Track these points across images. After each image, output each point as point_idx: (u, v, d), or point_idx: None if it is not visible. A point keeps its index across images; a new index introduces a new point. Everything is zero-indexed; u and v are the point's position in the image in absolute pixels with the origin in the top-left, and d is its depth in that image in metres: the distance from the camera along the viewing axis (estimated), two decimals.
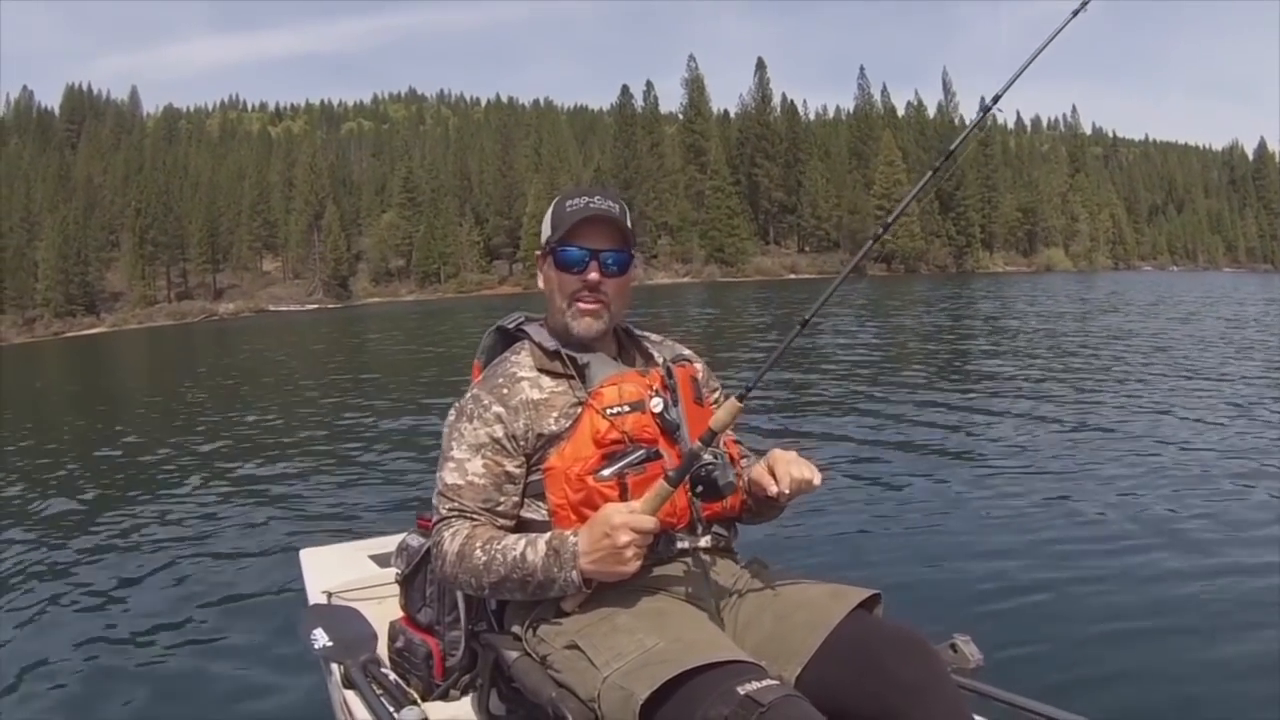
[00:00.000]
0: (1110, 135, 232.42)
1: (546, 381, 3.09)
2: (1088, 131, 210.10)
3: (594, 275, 3.11)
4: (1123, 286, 76.06)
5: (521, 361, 3.16)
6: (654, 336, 3.47)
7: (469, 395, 3.15)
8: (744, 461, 3.26)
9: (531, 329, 3.28)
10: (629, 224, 3.19)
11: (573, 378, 3.09)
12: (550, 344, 3.17)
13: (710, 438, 2.72)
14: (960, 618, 6.41)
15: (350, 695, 3.59)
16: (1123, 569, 7.93)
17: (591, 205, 3.13)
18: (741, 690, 2.32)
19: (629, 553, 2.69)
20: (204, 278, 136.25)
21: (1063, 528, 9.28)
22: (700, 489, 2.85)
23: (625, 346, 3.35)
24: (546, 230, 3.21)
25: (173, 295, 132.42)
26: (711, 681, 2.39)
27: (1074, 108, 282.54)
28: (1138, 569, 7.92)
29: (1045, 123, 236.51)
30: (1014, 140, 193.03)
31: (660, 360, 3.27)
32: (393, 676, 3.61)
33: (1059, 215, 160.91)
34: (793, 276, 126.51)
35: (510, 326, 3.35)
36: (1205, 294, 60.47)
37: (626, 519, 2.68)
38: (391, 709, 3.33)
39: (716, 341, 32.74)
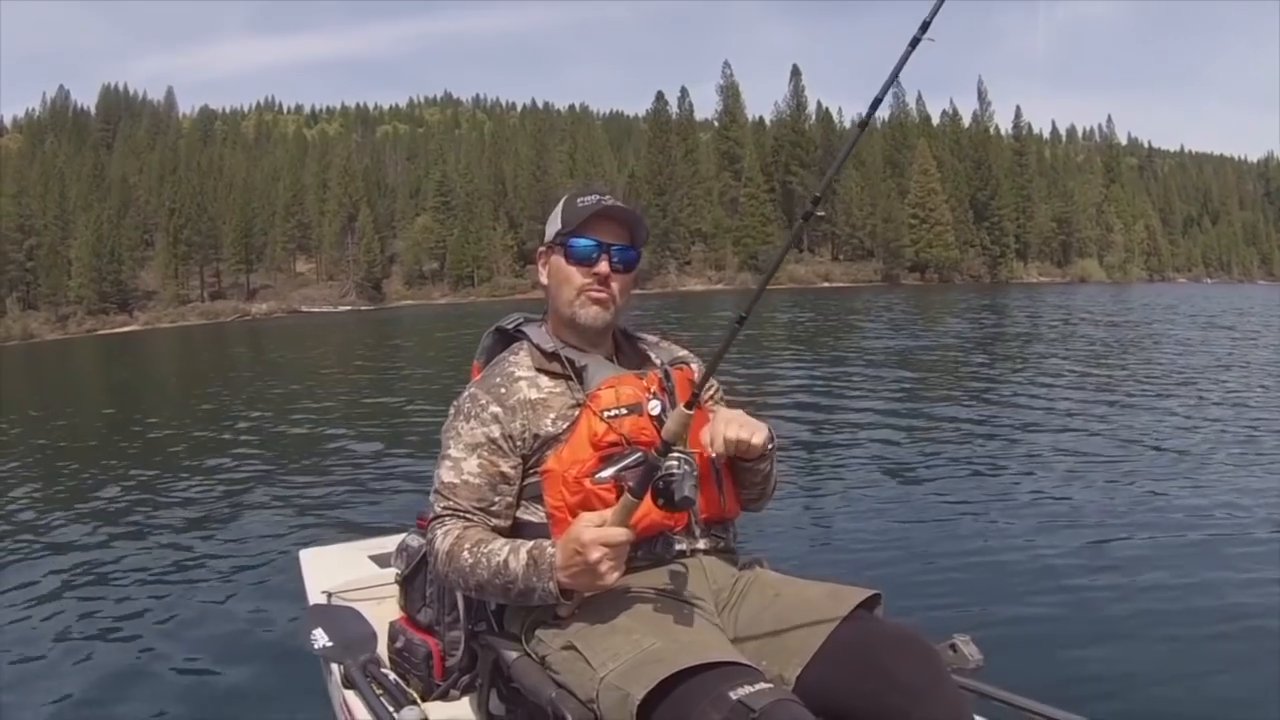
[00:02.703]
0: (1146, 146, 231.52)
1: (545, 381, 3.09)
2: (1123, 142, 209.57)
3: (604, 267, 3.10)
4: (1157, 299, 75.70)
5: (520, 361, 3.15)
6: (651, 338, 3.44)
7: (466, 394, 3.14)
8: None
9: (530, 330, 3.27)
10: (641, 223, 3.20)
11: (570, 379, 3.08)
12: (549, 345, 3.16)
13: (665, 449, 2.67)
14: (960, 618, 6.56)
15: (350, 695, 3.58)
16: (1124, 571, 7.98)
17: (604, 201, 3.14)
18: (734, 695, 2.30)
19: (603, 567, 2.67)
20: (237, 278, 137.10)
21: (1065, 530, 9.33)
22: (661, 501, 2.79)
23: (623, 349, 3.33)
24: (555, 225, 3.19)
25: (206, 295, 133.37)
26: (705, 685, 2.37)
27: (1109, 118, 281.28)
28: (1139, 571, 7.96)
29: (1081, 133, 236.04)
30: (1049, 150, 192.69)
31: (658, 363, 3.25)
32: (392, 676, 3.60)
33: (1094, 226, 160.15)
34: (826, 285, 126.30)
35: (509, 327, 3.34)
36: (1240, 306, 59.93)
37: (596, 535, 2.66)
38: (391, 709, 3.33)
39: (748, 349, 32.72)
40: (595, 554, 2.65)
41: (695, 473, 2.75)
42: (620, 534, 2.67)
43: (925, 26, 2.64)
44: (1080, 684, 5.71)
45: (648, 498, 2.71)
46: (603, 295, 3.12)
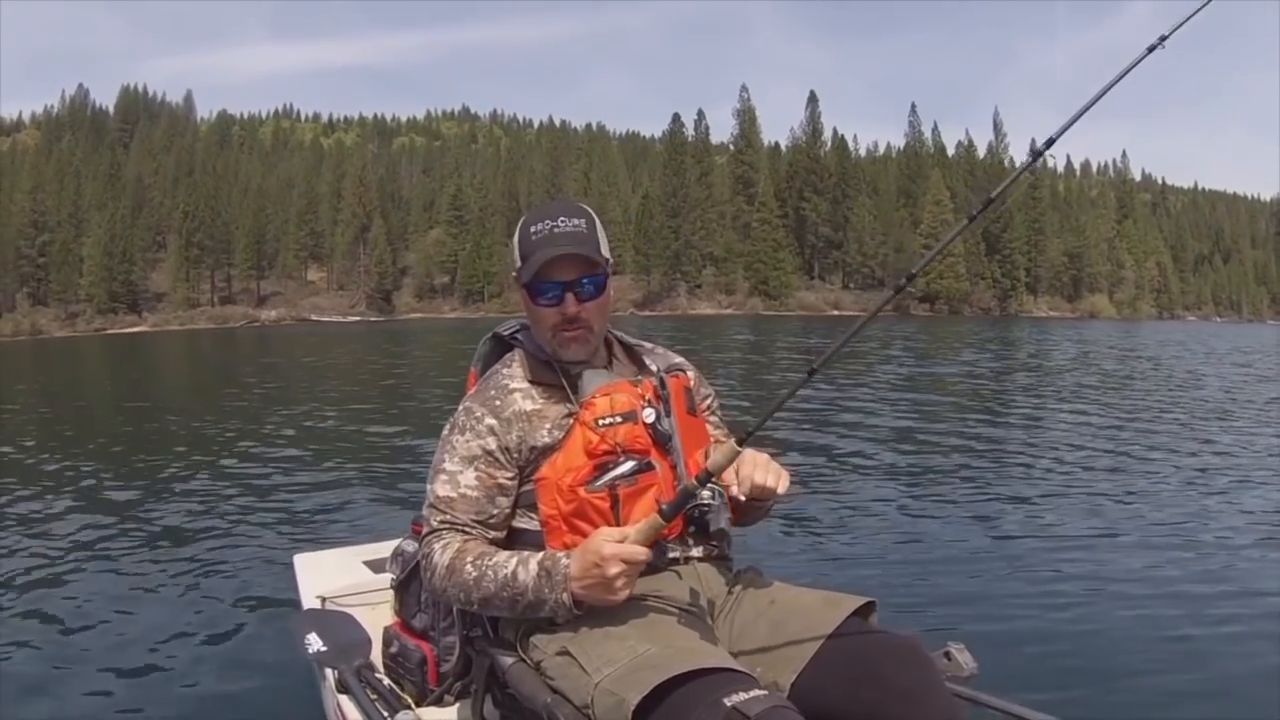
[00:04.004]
0: (1159, 182, 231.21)
1: (539, 393, 3.06)
2: (1137, 178, 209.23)
3: (572, 309, 3.04)
4: (1167, 335, 75.64)
5: (514, 373, 3.13)
6: (647, 345, 3.41)
7: (461, 408, 3.12)
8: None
9: (526, 337, 3.25)
10: (599, 239, 3.11)
11: (565, 389, 3.06)
12: (543, 355, 3.14)
13: (706, 478, 2.67)
14: (955, 626, 6.55)
15: (344, 700, 3.58)
16: (1120, 582, 8.01)
17: (557, 231, 3.04)
18: (729, 701, 2.30)
19: (619, 583, 2.67)
20: (248, 284, 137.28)
21: (1060, 541, 9.41)
22: (693, 529, 2.87)
23: (618, 356, 3.30)
24: (515, 256, 3.12)
25: (216, 299, 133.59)
26: (701, 691, 2.37)
27: (1124, 153, 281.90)
28: (1134, 581, 8.03)
29: (1095, 167, 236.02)
30: (1063, 184, 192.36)
31: (654, 370, 3.23)
32: (387, 682, 3.61)
33: (1105, 261, 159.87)
34: (836, 313, 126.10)
35: (505, 334, 3.33)
36: (1251, 345, 59.61)
37: (617, 550, 2.66)
38: (385, 714, 3.34)
39: (760, 369, 32.75)
40: (614, 569, 2.64)
41: (727, 504, 2.84)
42: (641, 552, 2.67)
43: (1051, 142, 2.74)
44: (1075, 693, 5.73)
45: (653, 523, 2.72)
46: (577, 333, 3.08)
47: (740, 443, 2.67)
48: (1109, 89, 2.78)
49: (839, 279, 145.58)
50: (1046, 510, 10.68)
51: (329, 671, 3.79)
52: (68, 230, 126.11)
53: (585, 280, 3.05)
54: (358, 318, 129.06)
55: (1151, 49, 2.76)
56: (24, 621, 7.59)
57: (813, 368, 2.73)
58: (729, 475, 2.87)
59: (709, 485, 2.73)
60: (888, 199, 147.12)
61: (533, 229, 3.07)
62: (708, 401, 3.36)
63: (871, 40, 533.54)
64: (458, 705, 3.44)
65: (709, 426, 3.27)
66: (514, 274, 3.15)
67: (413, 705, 3.44)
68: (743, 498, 2.87)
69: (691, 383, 3.26)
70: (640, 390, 3.06)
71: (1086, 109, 2.76)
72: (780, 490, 2.90)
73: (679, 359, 3.39)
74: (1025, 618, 7.10)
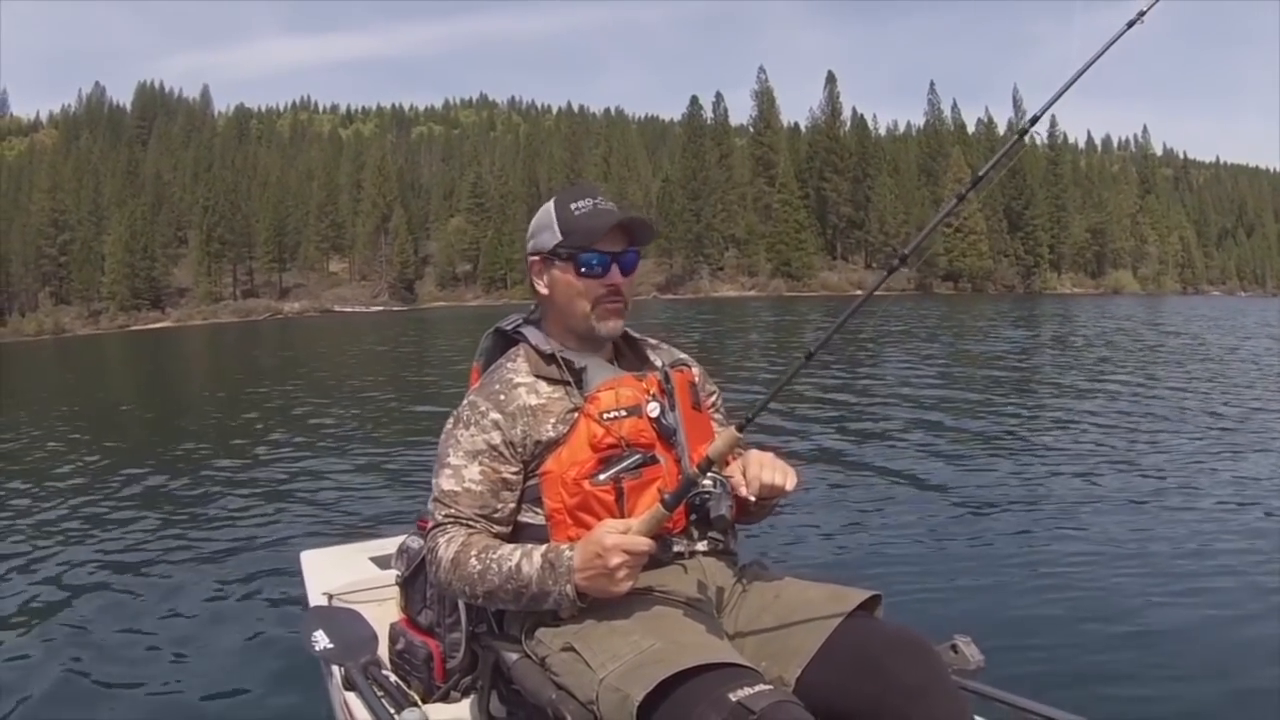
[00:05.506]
0: (1181, 156, 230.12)
1: (543, 387, 3.05)
2: (1158, 152, 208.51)
3: (617, 278, 3.08)
4: (1192, 310, 75.19)
5: (518, 368, 3.11)
6: (652, 341, 3.40)
7: (466, 402, 3.10)
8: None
9: (528, 332, 3.23)
10: (646, 225, 3.16)
11: (569, 383, 3.04)
12: (547, 348, 3.12)
13: (707, 465, 2.69)
14: (961, 619, 6.44)
15: (351, 697, 3.57)
16: (1127, 574, 7.97)
17: (600, 206, 3.10)
18: (733, 697, 2.31)
19: (621, 574, 2.66)
20: (270, 276, 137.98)
21: (1067, 532, 9.34)
22: (694, 517, 2.88)
23: (623, 350, 3.30)
24: (549, 234, 3.12)
25: (238, 293, 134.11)
26: (705, 686, 2.37)
27: (1145, 128, 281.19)
28: (1139, 573, 7.97)
29: (1116, 143, 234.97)
30: (1084, 160, 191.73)
31: (658, 364, 3.22)
32: (393, 678, 3.60)
33: (1128, 237, 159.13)
34: (859, 293, 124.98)
35: (508, 329, 3.30)
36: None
37: (619, 541, 2.65)
38: (392, 711, 3.32)
39: (772, 354, 32.71)
40: (615, 559, 2.64)
41: (729, 492, 2.81)
42: (644, 543, 2.67)
43: (1035, 120, 2.82)
44: (1081, 685, 5.72)
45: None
46: (618, 305, 3.10)
47: (740, 429, 2.66)
48: (1090, 65, 2.78)
49: (861, 259, 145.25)
50: (1055, 501, 10.61)
51: (335, 668, 3.78)
52: (88, 228, 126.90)
53: (628, 253, 3.11)
54: (380, 308, 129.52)
55: (1131, 24, 2.78)
56: (31, 616, 7.68)
57: (809, 352, 2.77)
58: (737, 476, 2.88)
59: (710, 474, 2.72)
60: (909, 178, 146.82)
61: (574, 205, 3.12)
62: (712, 398, 3.36)
63: (887, 23, 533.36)
64: (464, 701, 3.42)
65: (713, 424, 3.25)
66: (536, 256, 3.18)
67: (419, 702, 3.41)
68: (753, 498, 2.88)
69: (695, 378, 3.27)
70: (645, 384, 3.07)
71: (1067, 86, 2.79)
72: (789, 488, 2.91)
73: (683, 355, 3.40)
74: (1032, 610, 7.11)
